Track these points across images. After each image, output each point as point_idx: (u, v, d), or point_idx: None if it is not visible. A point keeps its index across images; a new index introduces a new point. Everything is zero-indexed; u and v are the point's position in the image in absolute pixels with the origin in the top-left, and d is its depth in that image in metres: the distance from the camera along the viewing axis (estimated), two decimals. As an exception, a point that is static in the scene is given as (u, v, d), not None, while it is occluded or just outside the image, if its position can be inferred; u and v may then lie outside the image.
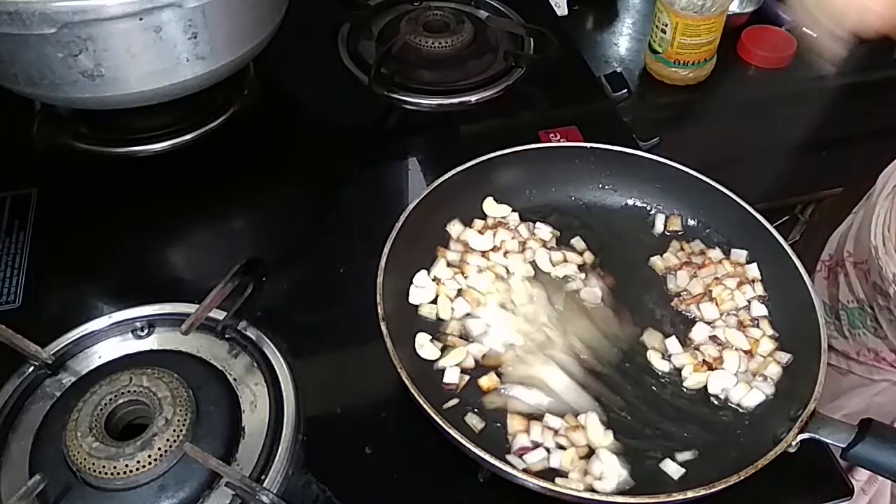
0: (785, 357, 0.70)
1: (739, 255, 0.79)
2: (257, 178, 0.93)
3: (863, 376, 0.92)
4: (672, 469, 0.64)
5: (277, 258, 0.83)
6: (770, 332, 0.73)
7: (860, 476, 0.93)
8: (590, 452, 0.65)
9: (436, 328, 0.73)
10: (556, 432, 0.66)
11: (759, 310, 0.75)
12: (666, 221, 0.82)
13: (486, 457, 0.58)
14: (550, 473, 0.63)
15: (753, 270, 0.77)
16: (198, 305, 0.70)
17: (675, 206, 0.83)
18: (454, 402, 0.67)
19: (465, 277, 0.76)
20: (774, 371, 0.70)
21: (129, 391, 0.64)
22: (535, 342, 0.72)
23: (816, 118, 1.29)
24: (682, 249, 0.80)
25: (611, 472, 0.63)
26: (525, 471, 0.59)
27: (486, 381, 0.69)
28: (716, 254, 0.79)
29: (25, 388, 0.69)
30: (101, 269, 0.83)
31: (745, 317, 0.74)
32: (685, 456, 0.65)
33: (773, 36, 1.27)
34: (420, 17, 1.06)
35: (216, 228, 0.90)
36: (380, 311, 0.66)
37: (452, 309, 0.74)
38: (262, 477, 0.63)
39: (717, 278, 0.76)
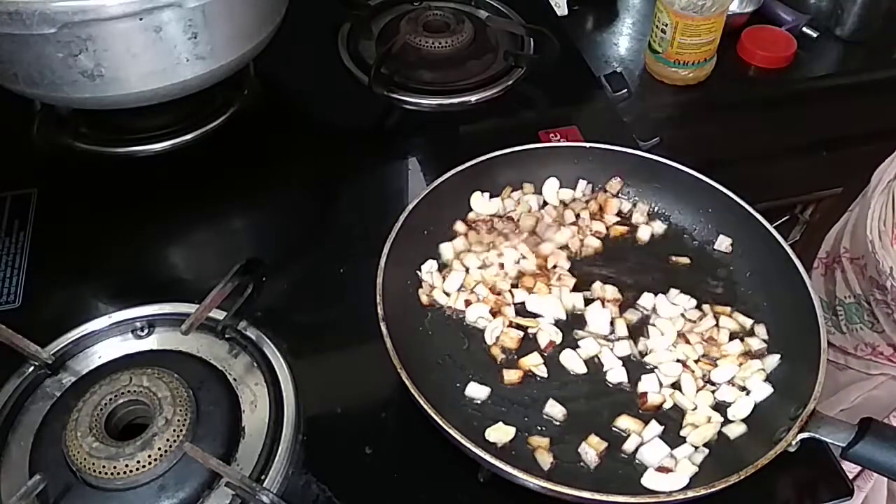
0: (775, 359, 0.70)
1: (724, 241, 0.79)
2: (257, 178, 0.93)
3: (860, 371, 0.92)
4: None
5: (277, 258, 0.82)
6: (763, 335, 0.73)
7: (851, 469, 0.92)
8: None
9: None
10: None
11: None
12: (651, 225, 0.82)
13: (486, 457, 0.58)
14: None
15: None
16: (198, 305, 0.70)
17: (674, 206, 0.83)
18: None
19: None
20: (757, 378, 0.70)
21: (129, 391, 0.64)
22: None
23: (816, 118, 1.29)
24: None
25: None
26: (525, 471, 0.59)
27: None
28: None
29: (25, 388, 0.69)
30: (101, 269, 0.83)
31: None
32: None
33: (773, 36, 1.26)
34: (420, 17, 1.06)
35: (216, 228, 0.90)
36: (380, 311, 0.66)
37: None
38: (262, 477, 0.63)
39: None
